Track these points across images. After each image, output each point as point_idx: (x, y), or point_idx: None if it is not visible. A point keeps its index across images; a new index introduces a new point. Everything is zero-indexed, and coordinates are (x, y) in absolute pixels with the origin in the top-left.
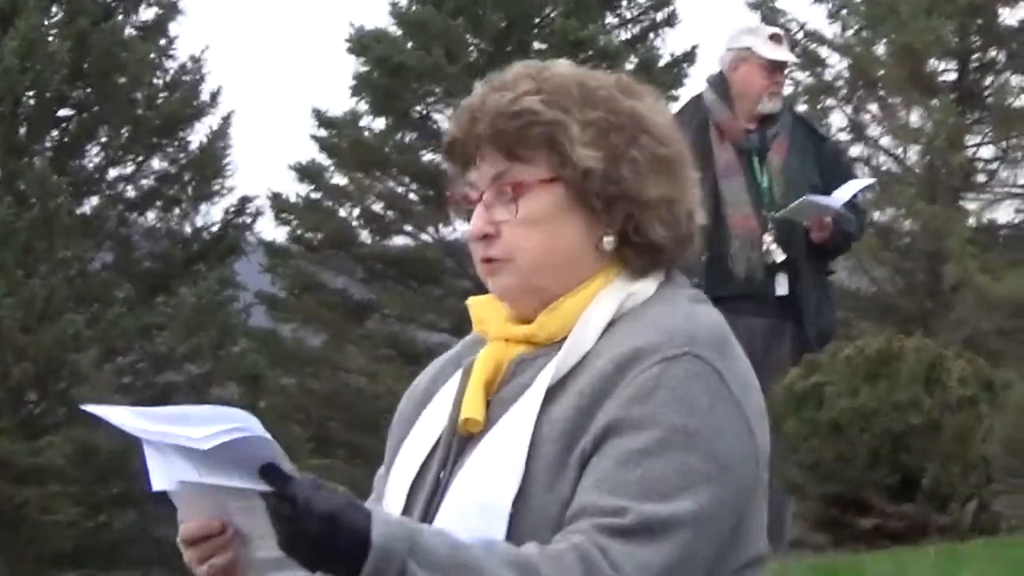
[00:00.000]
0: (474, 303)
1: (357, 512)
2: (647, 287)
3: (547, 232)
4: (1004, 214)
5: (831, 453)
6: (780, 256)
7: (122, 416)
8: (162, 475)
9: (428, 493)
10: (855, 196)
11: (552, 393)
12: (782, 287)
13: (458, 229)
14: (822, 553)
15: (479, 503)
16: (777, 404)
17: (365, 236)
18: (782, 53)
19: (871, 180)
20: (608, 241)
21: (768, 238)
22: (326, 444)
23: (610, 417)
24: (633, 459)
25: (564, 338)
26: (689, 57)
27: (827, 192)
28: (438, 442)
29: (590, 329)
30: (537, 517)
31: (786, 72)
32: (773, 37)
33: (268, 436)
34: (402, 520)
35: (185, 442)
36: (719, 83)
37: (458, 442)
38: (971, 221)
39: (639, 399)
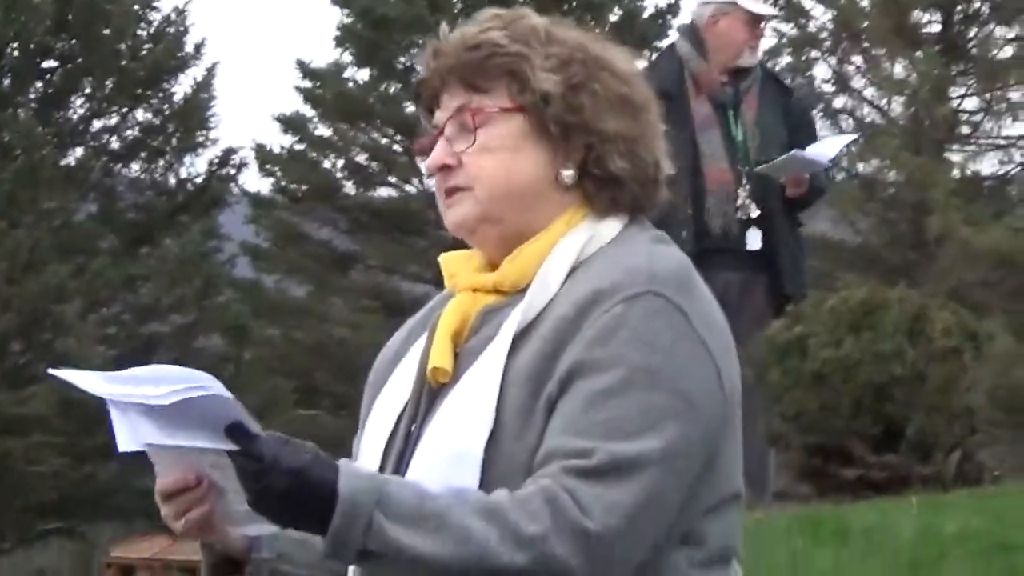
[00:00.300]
0: (445, 258)
1: (324, 467)
2: (610, 229)
3: (505, 160)
4: (988, 166)
5: (815, 404)
6: (755, 211)
7: (88, 380)
8: (128, 436)
9: (400, 446)
10: (840, 152)
11: (518, 341)
12: (755, 242)
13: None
14: (805, 504)
15: (450, 453)
16: (760, 355)
17: (349, 187)
18: (765, 7)
19: (855, 135)
20: (567, 174)
21: (743, 193)
22: (311, 394)
23: (573, 360)
24: (598, 400)
25: (529, 286)
26: (672, 9)
27: (796, 146)
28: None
29: (553, 275)
30: (508, 465)
31: (762, 25)
32: None
33: (230, 395)
34: (369, 473)
35: (144, 399)
36: (692, 35)
37: (428, 394)
38: (955, 173)
39: (601, 340)
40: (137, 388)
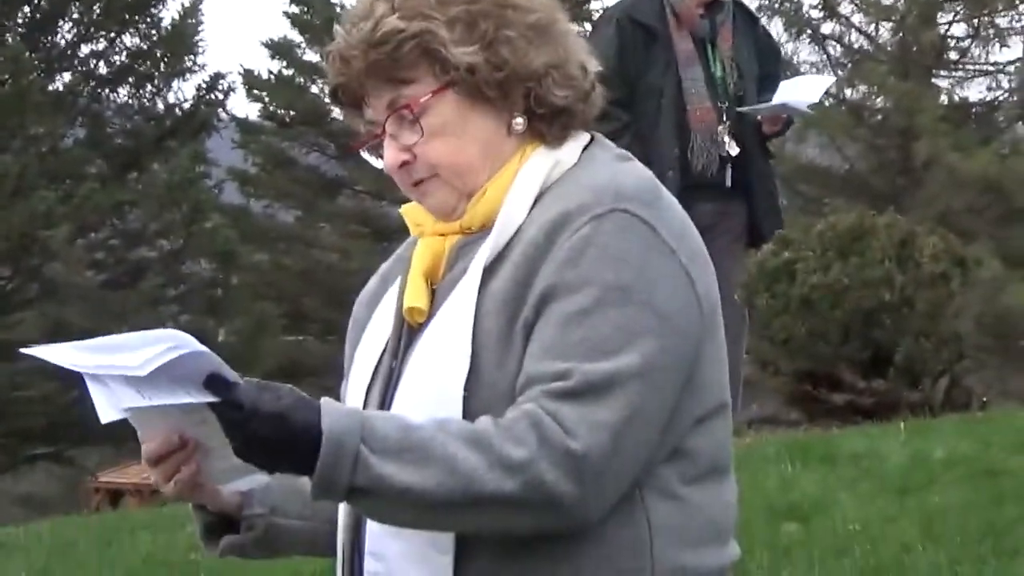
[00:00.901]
0: (407, 209)
1: (306, 407)
2: (571, 153)
3: (456, 137)
4: (975, 92)
5: (803, 329)
6: (735, 149)
7: (61, 354)
8: (108, 405)
9: (382, 385)
10: (821, 96)
11: (489, 271)
12: (730, 179)
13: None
14: (795, 429)
15: (433, 389)
16: (750, 280)
17: (337, 113)
18: None
19: (833, 79)
20: (518, 123)
21: (722, 130)
22: (299, 320)
23: (546, 283)
24: (573, 321)
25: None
26: None
27: (763, 74)
28: (389, 336)
29: (519, 203)
30: (490, 394)
31: None
32: None
33: (204, 349)
34: (351, 409)
35: (124, 371)
36: None
37: (407, 332)
38: (943, 99)
39: (571, 261)
40: (111, 357)
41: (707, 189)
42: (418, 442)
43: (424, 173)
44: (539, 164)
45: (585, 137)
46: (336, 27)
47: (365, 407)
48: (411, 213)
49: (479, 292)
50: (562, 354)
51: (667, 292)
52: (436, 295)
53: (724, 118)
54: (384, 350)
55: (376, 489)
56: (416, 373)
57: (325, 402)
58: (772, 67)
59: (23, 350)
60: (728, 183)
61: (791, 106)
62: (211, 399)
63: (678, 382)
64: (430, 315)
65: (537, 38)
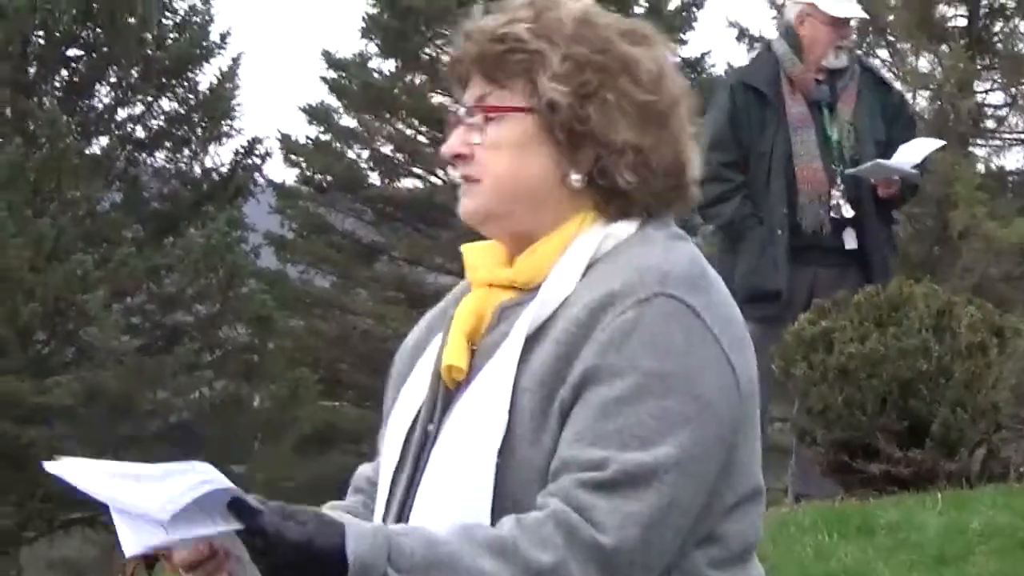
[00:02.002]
0: (468, 249)
1: (329, 532)
2: (626, 228)
3: (512, 159)
4: (1012, 160)
5: (840, 399)
6: (848, 211)
7: (88, 477)
8: (133, 540)
9: (417, 448)
10: (927, 157)
11: (531, 341)
12: (851, 241)
13: None
14: (831, 499)
15: (465, 459)
16: (787, 349)
17: (374, 178)
18: (846, 8)
19: (942, 142)
20: (575, 179)
21: (836, 193)
22: (335, 386)
23: (587, 365)
24: (612, 408)
25: (542, 284)
26: (698, 1)
27: (892, 140)
28: (427, 395)
29: (566, 274)
30: (524, 470)
31: (849, 26)
32: None
33: (228, 484)
34: (375, 528)
35: (149, 511)
36: (788, 34)
37: (444, 393)
38: (980, 167)
39: (614, 345)
40: (136, 490)
41: (819, 251)
42: (445, 557)
43: (473, 173)
44: (592, 236)
45: (642, 218)
46: (478, 7)
47: (400, 465)
48: (471, 255)
49: (519, 363)
50: (598, 441)
51: (708, 381)
52: (476, 355)
53: (839, 181)
54: (420, 409)
55: None
56: (451, 439)
57: (349, 525)
58: (903, 133)
59: (46, 466)
60: (849, 245)
61: (890, 167)
62: (235, 527)
63: (714, 470)
64: (469, 377)
65: (636, 116)
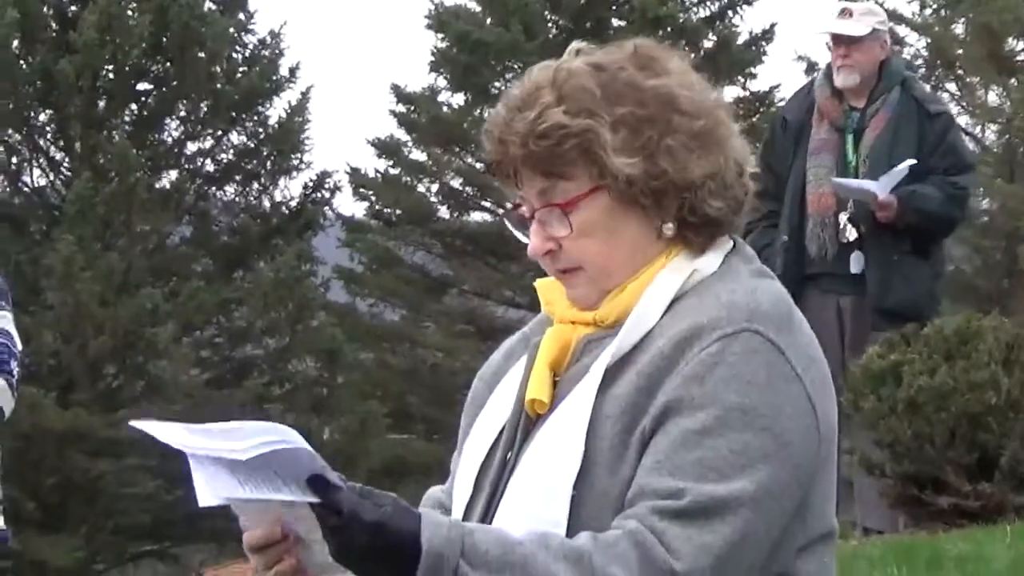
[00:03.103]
0: (542, 285)
1: (405, 517)
2: (711, 262)
3: (605, 238)
4: None
5: (909, 432)
6: (852, 234)
7: (169, 432)
8: (208, 490)
9: (495, 475)
10: (895, 183)
11: (613, 372)
12: (857, 265)
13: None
14: (899, 532)
15: (542, 485)
16: (856, 382)
17: (443, 212)
18: (843, 26)
19: (909, 162)
20: (668, 228)
21: (843, 216)
22: (404, 419)
23: (669, 396)
24: (691, 439)
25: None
26: (767, 35)
27: (930, 171)
28: (507, 424)
29: (651, 307)
30: (600, 499)
31: (855, 45)
32: (842, 12)
33: (309, 448)
34: (452, 521)
35: (226, 454)
36: (828, 64)
37: (525, 423)
38: None
39: (698, 378)
40: (216, 441)
41: (828, 277)
42: (519, 559)
43: (569, 264)
44: (678, 271)
45: (728, 244)
46: (497, 107)
47: (475, 493)
48: (545, 290)
49: (600, 392)
50: (676, 471)
51: (789, 419)
52: (558, 387)
53: (848, 206)
54: (499, 437)
55: None
56: (529, 467)
57: (426, 513)
58: (940, 162)
59: (132, 423)
60: (853, 269)
61: (846, 186)
62: (311, 499)
63: (789, 509)
64: (551, 407)
65: (699, 147)
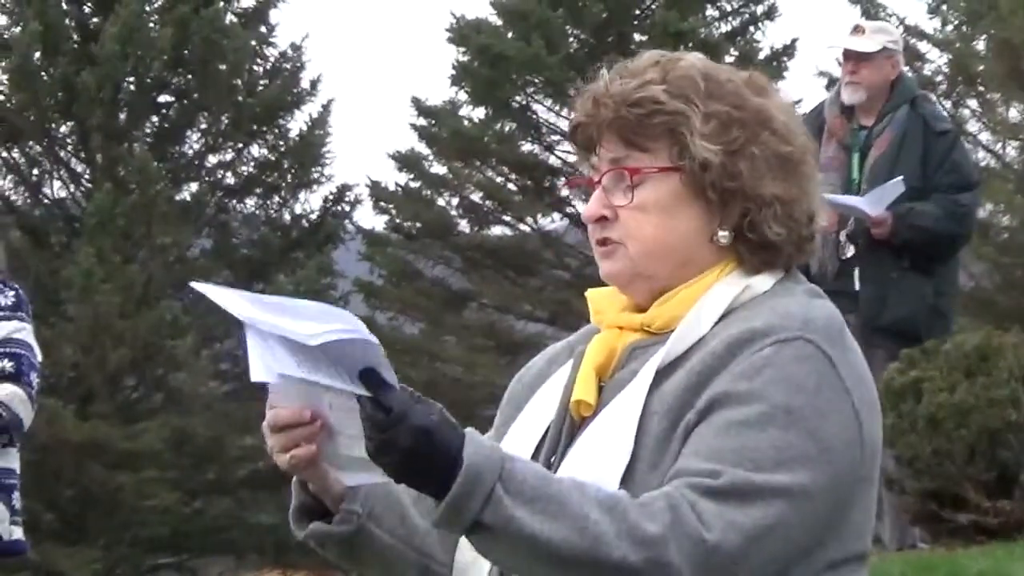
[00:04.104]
0: (594, 295)
1: (451, 430)
2: (764, 282)
3: (661, 220)
4: None
5: (929, 448)
6: (850, 251)
7: (231, 300)
8: (263, 367)
9: None
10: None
11: (661, 375)
12: (854, 283)
13: (555, 220)
14: (919, 549)
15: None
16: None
17: (463, 225)
18: (853, 42)
19: (898, 178)
20: (723, 235)
21: (843, 234)
22: None
23: (716, 392)
24: (733, 429)
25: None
26: (789, 51)
27: (933, 189)
28: (550, 426)
29: (704, 317)
30: (639, 493)
31: (865, 62)
32: (854, 28)
33: (375, 340)
34: (495, 445)
35: (294, 336)
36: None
37: (569, 426)
38: None
39: (746, 375)
40: (283, 319)
41: (842, 296)
42: (556, 494)
43: (616, 236)
44: (731, 286)
45: (781, 273)
46: (603, 71)
47: None
48: (597, 300)
49: (649, 393)
50: (715, 456)
51: (834, 427)
52: (604, 391)
53: (849, 223)
54: (543, 439)
55: (502, 530)
56: (573, 468)
57: (470, 432)
58: (944, 179)
59: (192, 284)
60: (856, 287)
61: (838, 203)
62: (364, 393)
63: (823, 516)
64: (596, 411)
65: (780, 169)
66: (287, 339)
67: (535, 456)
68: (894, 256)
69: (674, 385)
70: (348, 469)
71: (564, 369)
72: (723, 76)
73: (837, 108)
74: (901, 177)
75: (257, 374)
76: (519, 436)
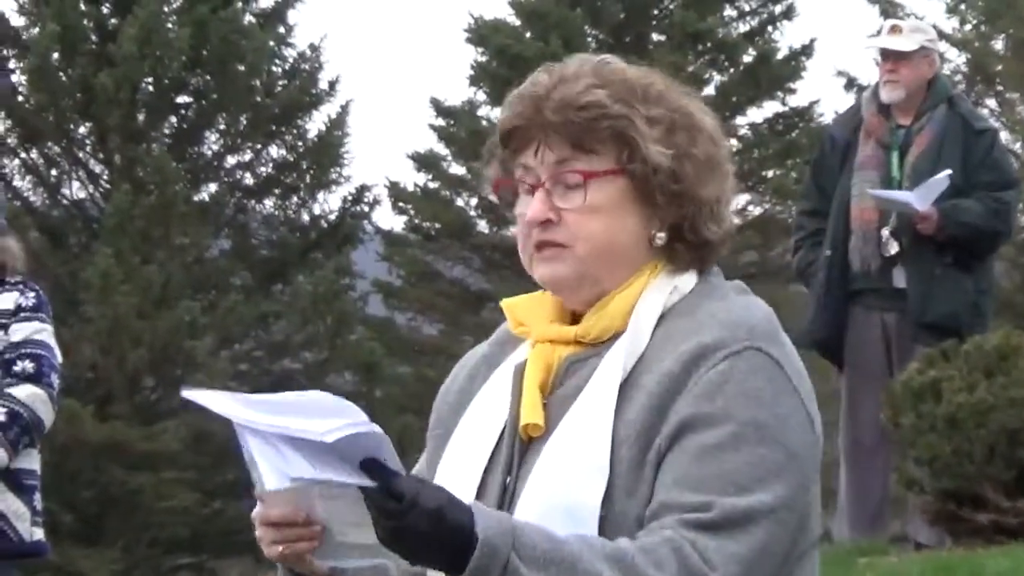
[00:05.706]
0: (512, 305)
1: (460, 507)
2: (688, 280)
3: (609, 222)
4: None
5: (948, 448)
6: (894, 248)
7: (226, 405)
8: (275, 473)
9: (496, 500)
10: (936, 193)
11: (620, 395)
12: (901, 279)
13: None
14: (938, 549)
15: (564, 507)
16: (895, 398)
17: (482, 226)
18: (892, 42)
19: (947, 172)
20: (660, 236)
21: (886, 231)
22: None
23: (682, 415)
24: (710, 454)
25: (612, 337)
26: (807, 50)
27: (975, 187)
28: (497, 447)
29: (642, 326)
30: (619, 519)
31: (903, 61)
32: (892, 28)
33: (380, 430)
34: (502, 515)
35: (307, 435)
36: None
37: (520, 447)
38: None
39: (709, 395)
40: (287, 418)
41: (875, 293)
42: (567, 556)
43: (560, 239)
44: (660, 290)
45: (700, 266)
46: (532, 77)
47: None
48: (516, 310)
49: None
50: (699, 486)
51: (795, 432)
52: (548, 409)
53: (891, 220)
54: (489, 460)
55: None
56: (540, 490)
57: (476, 505)
58: (983, 177)
59: (185, 394)
60: (897, 284)
61: (883, 197)
62: (369, 483)
63: (797, 519)
64: (547, 430)
65: (711, 170)
66: (295, 439)
67: (485, 478)
68: (937, 252)
69: (636, 409)
70: (341, 556)
71: (490, 385)
72: (646, 80)
73: (875, 107)
74: (949, 171)
75: (271, 482)
76: (460, 458)
